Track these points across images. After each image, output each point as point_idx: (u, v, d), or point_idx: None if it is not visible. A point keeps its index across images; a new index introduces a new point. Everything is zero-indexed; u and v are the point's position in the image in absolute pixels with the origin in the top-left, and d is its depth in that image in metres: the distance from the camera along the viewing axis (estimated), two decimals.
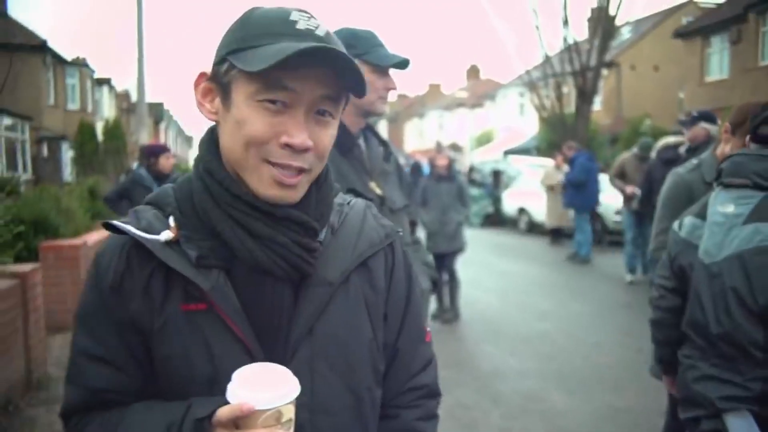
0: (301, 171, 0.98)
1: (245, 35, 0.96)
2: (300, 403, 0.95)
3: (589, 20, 20.25)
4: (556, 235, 13.53)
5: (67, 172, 20.74)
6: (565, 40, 19.46)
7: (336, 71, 0.96)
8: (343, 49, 0.97)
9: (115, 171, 14.96)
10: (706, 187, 2.47)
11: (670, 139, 7.16)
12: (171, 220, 1.02)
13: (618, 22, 19.21)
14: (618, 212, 11.49)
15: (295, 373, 0.95)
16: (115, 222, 1.01)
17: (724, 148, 2.48)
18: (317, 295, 1.03)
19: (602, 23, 18.64)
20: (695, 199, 2.54)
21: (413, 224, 2.58)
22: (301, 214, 1.01)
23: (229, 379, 0.93)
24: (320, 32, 0.97)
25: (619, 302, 8.22)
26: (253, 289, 1.00)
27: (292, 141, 0.95)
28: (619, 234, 11.17)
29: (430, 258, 3.05)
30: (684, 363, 1.99)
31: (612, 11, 18.50)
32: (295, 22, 0.96)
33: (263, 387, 0.90)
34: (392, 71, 2.17)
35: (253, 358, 0.98)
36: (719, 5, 22.23)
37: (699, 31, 21.15)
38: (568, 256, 11.55)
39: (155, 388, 1.01)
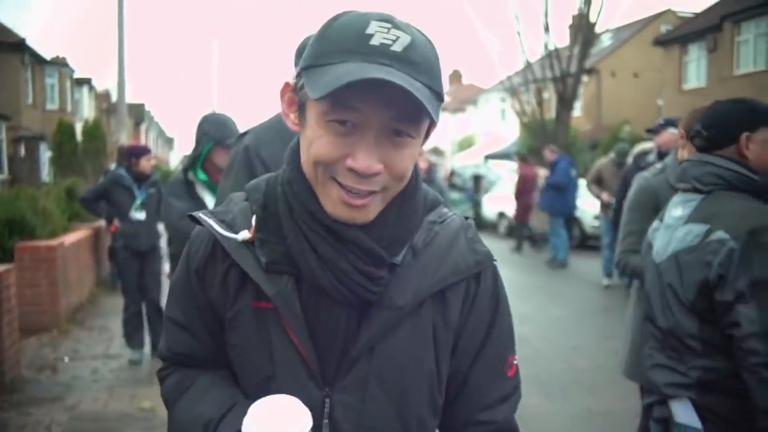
0: (371, 193, 0.94)
1: (319, 50, 0.92)
2: (348, 418, 1.00)
3: (570, 27, 20.45)
4: (525, 239, 13.57)
5: (45, 173, 20.48)
6: (546, 46, 19.64)
7: (408, 97, 0.87)
8: (418, 69, 0.91)
9: (93, 172, 14.78)
10: (672, 191, 2.54)
11: (647, 145, 7.26)
12: (253, 219, 1.05)
13: (598, 29, 19.43)
14: (596, 217, 11.60)
15: (347, 390, 1.00)
16: (199, 215, 1.07)
17: (682, 153, 2.64)
18: (383, 318, 1.00)
19: (583, 30, 18.85)
20: (661, 203, 2.64)
21: None
22: (367, 240, 0.97)
23: (284, 380, 1.00)
24: (397, 47, 0.90)
25: (597, 306, 8.31)
26: (315, 301, 1.00)
27: (356, 166, 0.91)
28: (597, 239, 11.29)
29: None
30: (645, 353, 2.15)
31: (592, 18, 18.72)
32: (371, 36, 0.89)
33: (278, 425, 0.91)
34: None
35: (308, 367, 1.00)
36: (696, 14, 22.58)
37: (677, 39, 21.46)
38: (546, 260, 11.64)
39: (221, 361, 1.10)
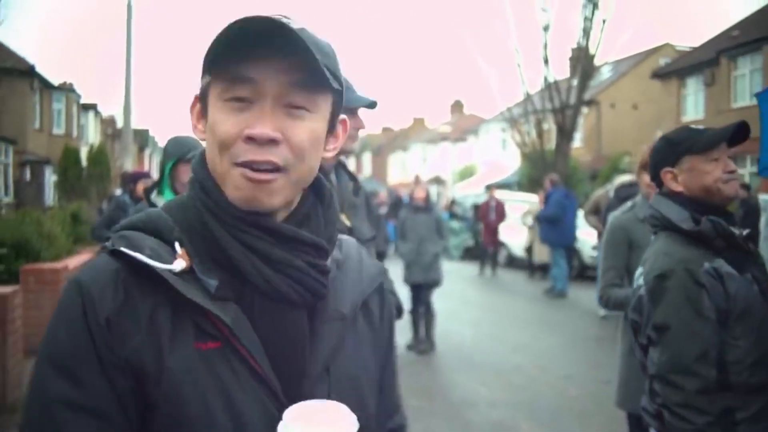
0: (274, 169, 0.91)
1: (216, 40, 0.90)
2: None
3: (570, 59, 20.79)
4: (533, 268, 13.88)
5: (50, 197, 20.69)
6: (545, 78, 19.94)
7: (300, 59, 0.89)
8: (309, 41, 0.89)
9: (98, 197, 14.98)
10: (641, 225, 2.66)
11: (626, 178, 7.29)
12: (177, 247, 0.93)
13: (597, 61, 19.75)
14: (594, 247, 11.71)
15: None
16: (124, 249, 0.89)
17: (642, 188, 2.97)
18: (332, 330, 0.98)
19: (582, 62, 19.16)
20: (633, 238, 2.89)
21: (380, 255, 2.74)
22: (311, 235, 0.96)
23: (248, 426, 0.88)
24: (283, 21, 0.89)
25: (591, 336, 8.39)
26: (270, 320, 0.92)
27: (253, 132, 0.89)
28: (595, 269, 11.37)
29: (394, 287, 3.21)
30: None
31: (592, 50, 19.03)
32: (264, 17, 0.89)
33: (324, 425, 0.84)
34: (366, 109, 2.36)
35: (274, 395, 0.91)
36: (694, 48, 22.94)
37: (675, 72, 21.81)
38: (545, 290, 11.74)
39: None
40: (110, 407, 0.85)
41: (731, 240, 1.93)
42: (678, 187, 2.02)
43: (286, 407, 0.87)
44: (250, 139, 0.89)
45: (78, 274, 0.92)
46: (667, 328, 1.87)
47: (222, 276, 0.91)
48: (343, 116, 1.04)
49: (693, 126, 2.10)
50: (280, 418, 0.86)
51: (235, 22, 0.87)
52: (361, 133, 2.46)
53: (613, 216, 3.12)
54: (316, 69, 0.88)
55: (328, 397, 0.94)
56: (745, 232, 2.01)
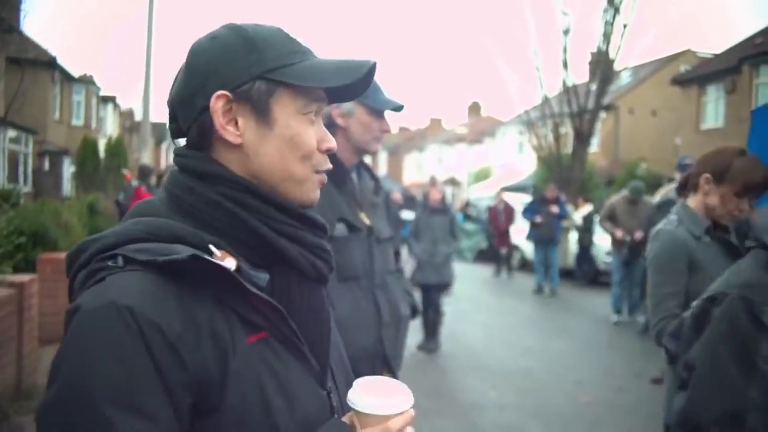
0: None
1: (276, 54, 0.97)
2: (340, 409, 1.02)
3: (590, 63, 20.68)
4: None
5: (67, 187, 20.89)
6: (564, 82, 19.85)
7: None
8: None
9: (114, 188, 15.10)
10: (696, 242, 2.37)
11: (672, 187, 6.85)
12: (215, 250, 0.91)
13: (617, 66, 19.62)
14: (608, 253, 11.67)
15: (332, 380, 1.03)
16: (204, 255, 0.86)
17: (706, 200, 2.39)
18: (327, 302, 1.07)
19: (601, 67, 19.05)
20: (695, 257, 2.35)
21: (397, 254, 2.75)
22: (319, 218, 1.05)
23: (299, 406, 0.93)
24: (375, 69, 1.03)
25: (603, 342, 8.34)
26: (304, 304, 1.00)
27: (332, 145, 1.03)
28: (609, 275, 11.33)
29: (410, 287, 3.22)
30: None
31: (612, 55, 18.91)
32: (295, 38, 1.03)
33: (396, 394, 0.95)
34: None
35: (315, 374, 0.98)
36: (715, 55, 22.71)
37: (695, 79, 21.59)
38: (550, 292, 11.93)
39: None
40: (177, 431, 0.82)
41: None
42: None
43: (325, 382, 0.99)
44: (328, 151, 1.03)
45: (118, 297, 0.82)
46: (694, 368, 1.49)
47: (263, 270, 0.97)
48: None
49: None
50: (323, 392, 0.98)
51: (364, 75, 0.99)
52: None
53: (666, 233, 2.47)
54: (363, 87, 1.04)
55: (331, 363, 1.05)
56: None
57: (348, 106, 2.25)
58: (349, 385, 0.99)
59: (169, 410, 0.81)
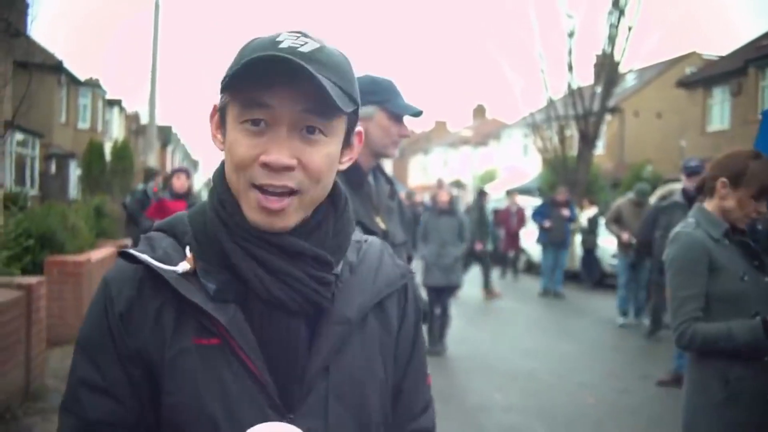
0: (290, 193, 0.95)
1: (235, 61, 0.97)
2: None
3: (595, 66, 20.64)
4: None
5: (73, 190, 20.98)
6: (569, 85, 19.81)
7: (314, 86, 0.91)
8: (325, 66, 0.94)
9: (121, 191, 15.17)
10: (715, 244, 2.36)
11: (676, 186, 6.89)
12: (187, 251, 1.00)
13: (622, 69, 19.58)
14: (614, 255, 11.67)
15: (309, 413, 0.96)
16: (132, 251, 0.98)
17: (723, 203, 2.40)
18: (335, 332, 1.00)
19: (606, 69, 19.01)
20: (713, 259, 2.34)
21: (410, 259, 2.76)
22: (313, 249, 0.99)
23: (243, 416, 0.92)
24: (305, 49, 0.94)
25: (608, 344, 8.34)
26: (268, 324, 0.97)
27: (268, 159, 0.92)
28: (614, 277, 11.33)
29: (421, 291, 3.23)
30: None
31: (617, 58, 18.87)
32: (281, 42, 0.94)
33: None
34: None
35: (268, 396, 0.95)
36: (721, 57, 22.66)
37: (701, 81, 21.55)
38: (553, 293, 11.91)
39: (149, 426, 0.97)
40: (123, 391, 0.96)
41: None
42: None
43: (281, 408, 0.95)
44: (266, 165, 0.93)
45: (107, 273, 1.03)
46: None
47: (227, 279, 0.97)
48: (358, 128, 1.06)
49: None
50: (272, 418, 0.93)
51: (252, 58, 0.90)
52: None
53: (685, 234, 2.44)
54: (330, 101, 0.91)
55: (326, 396, 0.99)
56: None
57: (368, 110, 2.25)
58: (355, 426, 1.01)
59: (116, 368, 0.96)
